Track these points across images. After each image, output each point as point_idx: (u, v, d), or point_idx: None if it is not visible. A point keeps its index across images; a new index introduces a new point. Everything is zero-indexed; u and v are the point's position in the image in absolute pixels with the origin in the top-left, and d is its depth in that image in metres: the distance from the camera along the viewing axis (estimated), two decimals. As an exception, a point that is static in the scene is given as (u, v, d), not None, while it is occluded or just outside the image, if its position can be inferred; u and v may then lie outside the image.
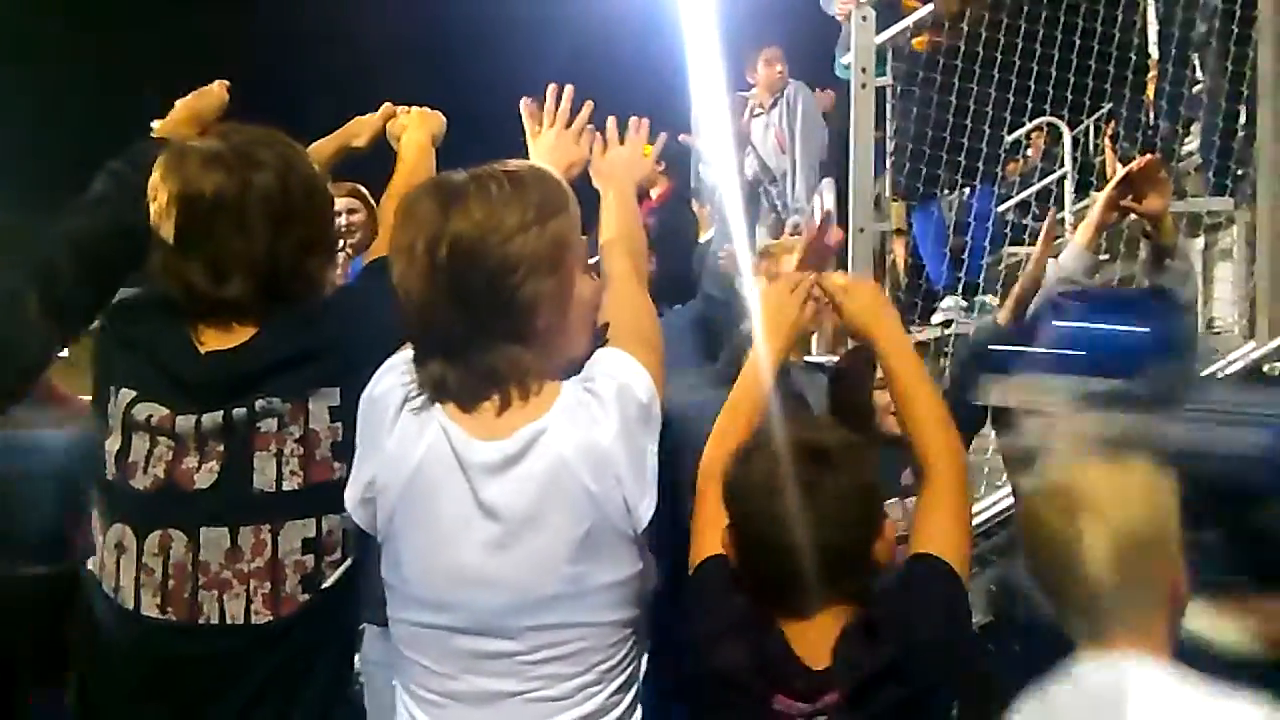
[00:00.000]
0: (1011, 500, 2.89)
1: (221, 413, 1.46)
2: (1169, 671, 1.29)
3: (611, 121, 1.80)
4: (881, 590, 1.43)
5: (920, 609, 1.39)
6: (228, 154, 1.50)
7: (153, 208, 1.51)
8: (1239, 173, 3.92)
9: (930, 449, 1.51)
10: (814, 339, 3.40)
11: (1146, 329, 2.24)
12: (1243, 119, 3.94)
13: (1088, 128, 4.95)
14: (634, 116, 1.80)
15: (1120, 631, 1.33)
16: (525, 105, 1.80)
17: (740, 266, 2.49)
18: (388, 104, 2.01)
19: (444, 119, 1.98)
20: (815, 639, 1.35)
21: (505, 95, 1.83)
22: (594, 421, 1.33)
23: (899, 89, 4.08)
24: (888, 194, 4.40)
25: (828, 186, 5.07)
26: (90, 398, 1.57)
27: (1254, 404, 2.14)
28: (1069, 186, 4.59)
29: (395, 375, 1.40)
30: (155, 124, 1.81)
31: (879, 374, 2.01)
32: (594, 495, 1.32)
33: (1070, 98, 4.03)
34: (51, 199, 1.79)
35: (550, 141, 1.75)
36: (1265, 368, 3.58)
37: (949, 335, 3.97)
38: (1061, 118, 4.43)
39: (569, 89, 1.78)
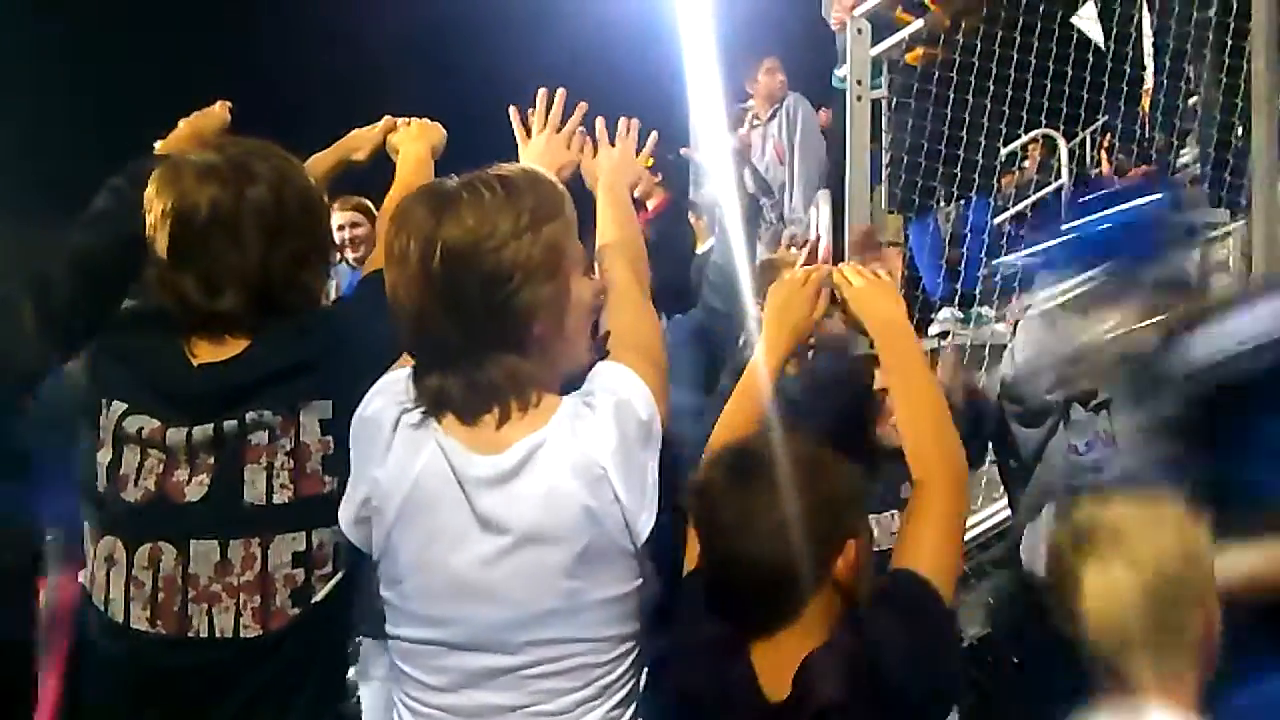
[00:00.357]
0: (1008, 513, 2.88)
1: (212, 425, 1.45)
2: None
3: (601, 123, 1.79)
4: (859, 611, 1.33)
5: (890, 632, 1.28)
6: (223, 167, 1.50)
7: (148, 220, 1.50)
8: (1235, 184, 3.93)
9: (922, 450, 1.43)
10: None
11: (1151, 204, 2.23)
12: (1238, 130, 3.95)
13: (1084, 140, 4.96)
14: (623, 118, 1.79)
15: (1148, 680, 1.25)
16: (514, 114, 1.79)
17: (740, 278, 2.48)
18: (388, 116, 2.01)
19: (444, 131, 1.98)
20: (781, 663, 1.29)
21: (507, 104, 1.83)
22: (591, 437, 1.32)
23: (894, 101, 4.09)
24: (884, 206, 4.40)
25: (824, 198, 5.08)
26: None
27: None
28: (1065, 198, 4.60)
29: (386, 397, 1.38)
30: (158, 144, 1.84)
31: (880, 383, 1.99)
32: (591, 511, 1.31)
33: (1066, 110, 4.03)
34: (51, 215, 1.79)
35: (540, 146, 1.75)
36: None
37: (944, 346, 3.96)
38: (1057, 130, 4.43)
39: (560, 93, 1.78)
